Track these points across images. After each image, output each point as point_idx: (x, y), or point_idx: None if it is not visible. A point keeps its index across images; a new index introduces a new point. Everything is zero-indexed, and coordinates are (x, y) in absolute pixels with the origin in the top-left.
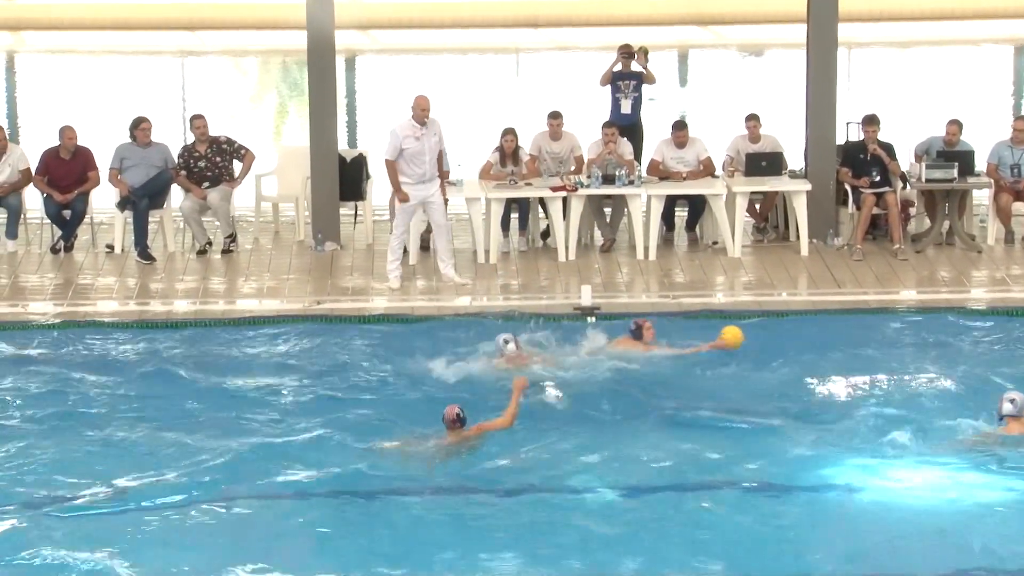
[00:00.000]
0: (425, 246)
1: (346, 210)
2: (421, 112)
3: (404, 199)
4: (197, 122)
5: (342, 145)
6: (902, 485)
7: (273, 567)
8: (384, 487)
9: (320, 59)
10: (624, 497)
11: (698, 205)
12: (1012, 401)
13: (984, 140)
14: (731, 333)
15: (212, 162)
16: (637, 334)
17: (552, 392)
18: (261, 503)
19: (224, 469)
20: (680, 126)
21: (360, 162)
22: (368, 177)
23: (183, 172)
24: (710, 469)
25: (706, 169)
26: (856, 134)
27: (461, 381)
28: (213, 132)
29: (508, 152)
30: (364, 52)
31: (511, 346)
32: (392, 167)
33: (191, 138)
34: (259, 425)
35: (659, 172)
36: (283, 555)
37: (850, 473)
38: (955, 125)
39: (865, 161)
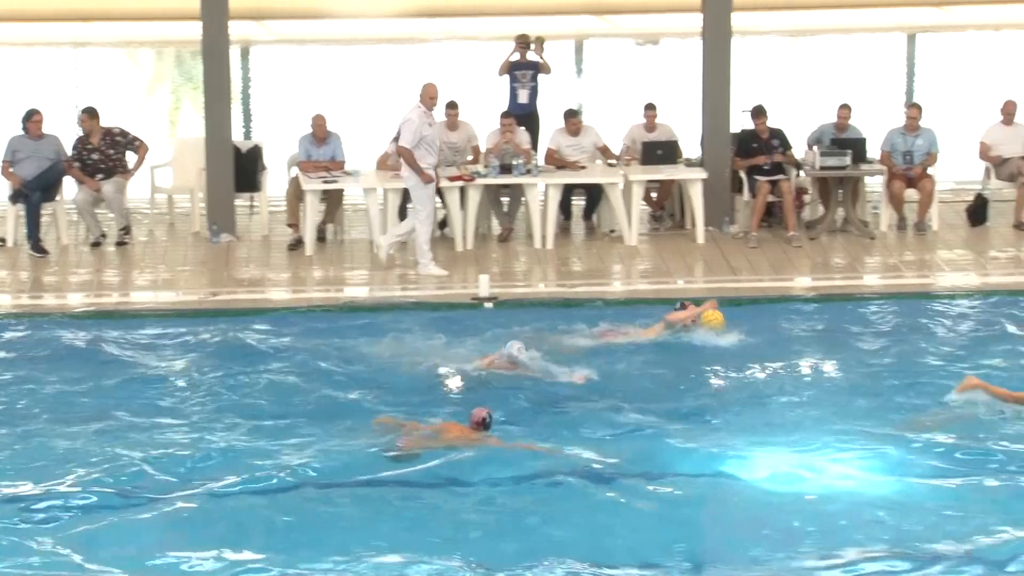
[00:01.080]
0: (321, 237)
1: (241, 201)
2: (430, 100)
3: (429, 180)
4: (83, 116)
5: (237, 136)
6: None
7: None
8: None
9: (214, 50)
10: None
11: (595, 194)
12: None
13: (877, 128)
14: (714, 317)
15: (105, 154)
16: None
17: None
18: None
19: (117, 465)
20: (572, 114)
21: (255, 153)
22: (263, 168)
23: (76, 164)
24: (619, 460)
25: (606, 153)
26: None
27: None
28: (107, 124)
29: None
30: (259, 43)
31: (513, 352)
32: (410, 154)
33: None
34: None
35: (556, 161)
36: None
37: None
38: (846, 109)
39: (759, 149)
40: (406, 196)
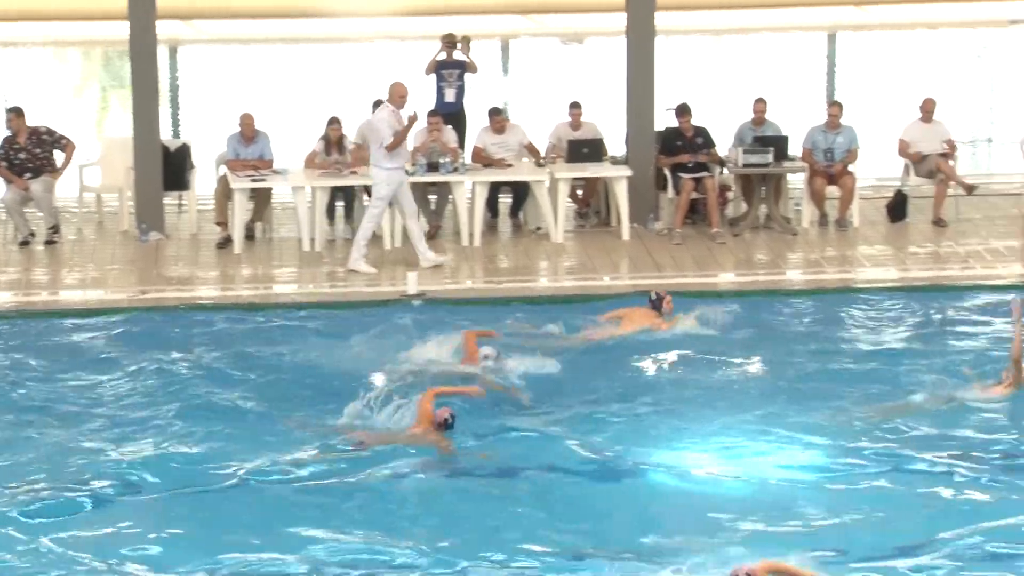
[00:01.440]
0: (250, 235)
1: (170, 200)
2: (400, 99)
3: (414, 119)
4: (10, 115)
5: (165, 135)
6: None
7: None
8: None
9: (142, 50)
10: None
11: (521, 192)
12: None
13: (799, 125)
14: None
15: (32, 153)
16: (657, 305)
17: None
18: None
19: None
20: (496, 112)
21: (184, 152)
22: (192, 167)
23: (3, 163)
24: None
25: (532, 152)
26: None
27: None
28: (34, 123)
29: (333, 141)
30: (186, 42)
31: (489, 361)
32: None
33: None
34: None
35: (483, 159)
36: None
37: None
38: (762, 103)
39: (682, 147)
40: (334, 195)
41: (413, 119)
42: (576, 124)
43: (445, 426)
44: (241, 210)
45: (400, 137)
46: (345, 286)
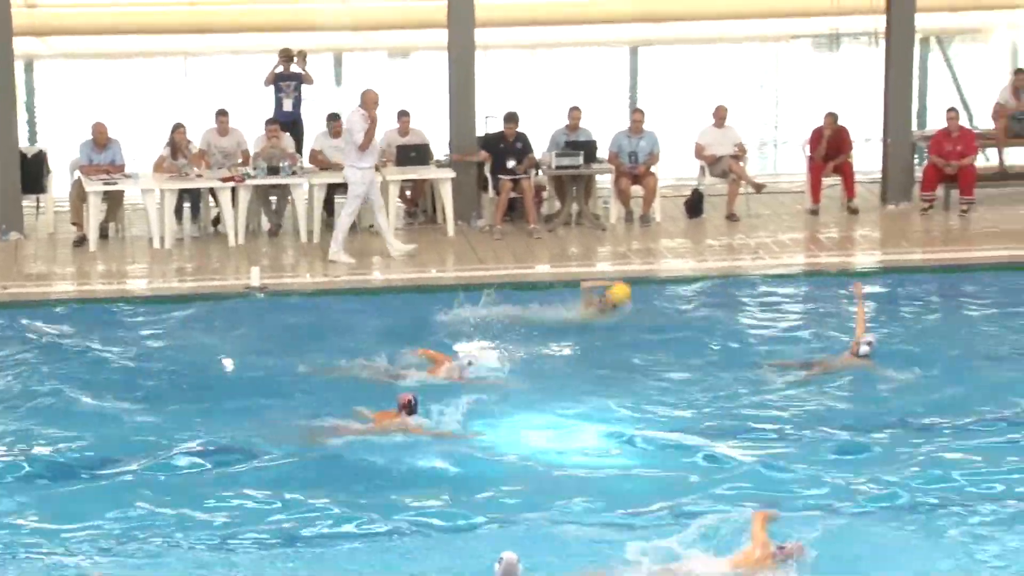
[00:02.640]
0: (104, 234)
1: (28, 202)
2: (372, 104)
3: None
4: None
5: (23, 143)
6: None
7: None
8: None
9: (1, 64)
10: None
11: None
12: (869, 344)
13: (605, 131)
14: (621, 290)
15: None
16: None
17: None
18: None
19: None
20: (334, 117)
21: (40, 158)
22: (48, 172)
23: None
24: None
25: None
26: (496, 127)
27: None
28: None
29: (179, 146)
30: (41, 57)
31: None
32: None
33: None
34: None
35: (320, 162)
36: None
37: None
38: (577, 111)
39: (503, 151)
40: (181, 196)
41: (374, 120)
42: (404, 130)
43: (410, 408)
44: (95, 211)
45: (369, 137)
46: (194, 280)
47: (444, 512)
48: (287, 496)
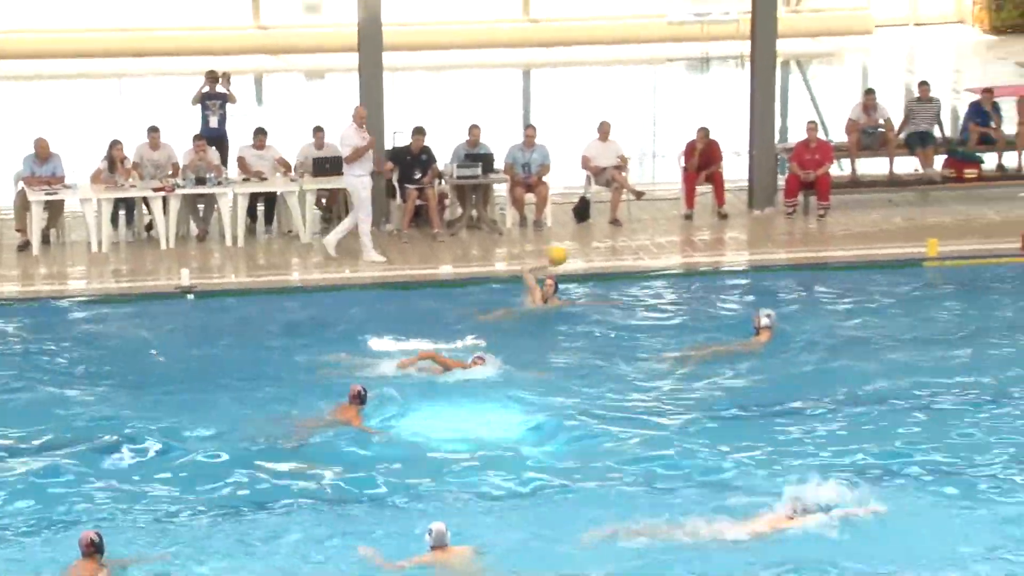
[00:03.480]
0: (46, 240)
1: None
2: (361, 119)
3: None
4: None
5: None
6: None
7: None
8: None
9: None
10: None
11: (275, 200)
12: (768, 316)
13: (501, 144)
14: (558, 252)
15: None
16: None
17: None
18: None
19: None
20: (260, 132)
21: None
22: None
23: None
24: None
25: (283, 165)
26: (403, 141)
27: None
28: None
29: (116, 160)
30: None
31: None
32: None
33: None
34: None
35: (245, 168)
36: None
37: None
38: (476, 128)
39: (409, 162)
40: (117, 205)
41: (372, 142)
42: (320, 144)
43: (359, 399)
44: (37, 219)
45: (360, 151)
46: (128, 280)
47: (383, 493)
48: (233, 478)
